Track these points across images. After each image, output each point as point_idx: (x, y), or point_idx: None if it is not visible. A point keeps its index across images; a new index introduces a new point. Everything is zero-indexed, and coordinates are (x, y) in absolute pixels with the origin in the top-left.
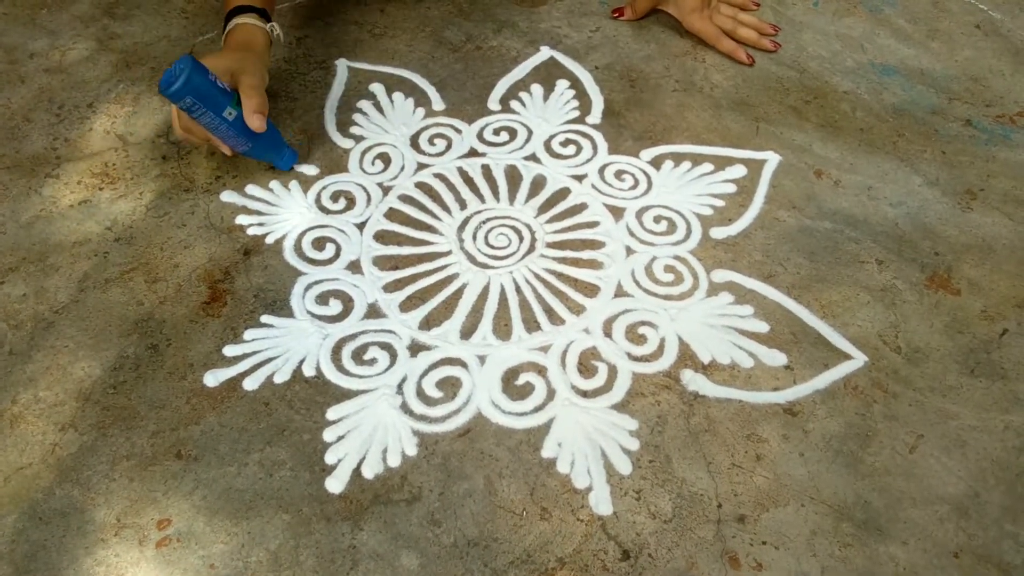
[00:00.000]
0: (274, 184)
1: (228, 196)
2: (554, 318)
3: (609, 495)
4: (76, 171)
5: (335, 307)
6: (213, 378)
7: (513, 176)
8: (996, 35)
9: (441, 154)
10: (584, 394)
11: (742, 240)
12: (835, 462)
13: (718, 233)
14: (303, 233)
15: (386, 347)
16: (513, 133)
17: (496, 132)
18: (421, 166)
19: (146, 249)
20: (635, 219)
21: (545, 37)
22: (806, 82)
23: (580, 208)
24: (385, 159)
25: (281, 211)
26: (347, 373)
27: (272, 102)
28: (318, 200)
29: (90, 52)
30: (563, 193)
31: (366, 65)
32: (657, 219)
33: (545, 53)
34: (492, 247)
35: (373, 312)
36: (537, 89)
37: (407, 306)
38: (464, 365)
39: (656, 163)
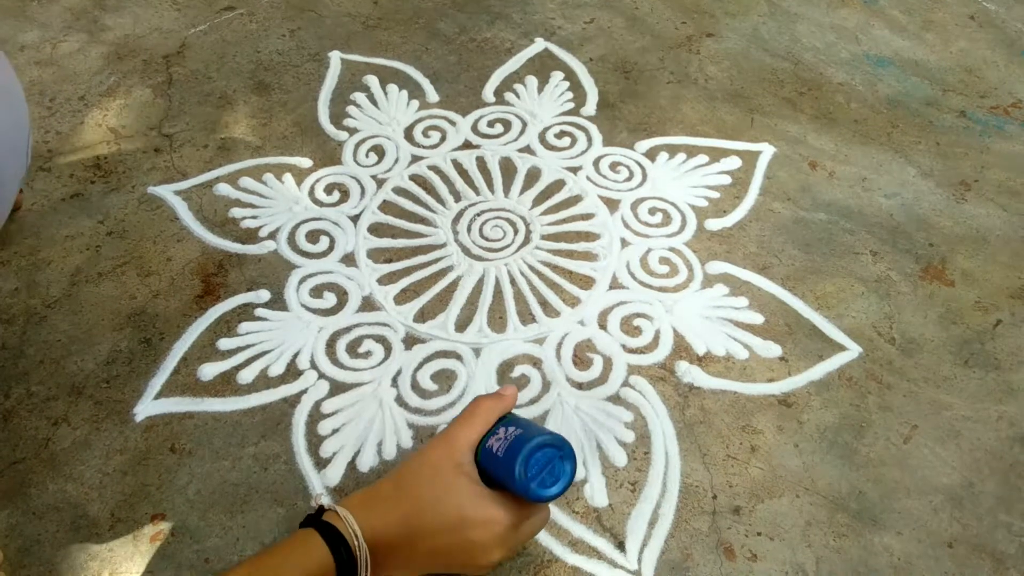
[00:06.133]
0: (268, 177)
1: (222, 189)
2: (549, 310)
3: (605, 487)
4: (68, 164)
5: (329, 300)
6: (207, 371)
7: (508, 168)
8: (990, 26)
9: (436, 146)
10: (579, 386)
11: (737, 232)
12: (830, 453)
13: (713, 225)
14: (297, 226)
15: (381, 340)
16: (508, 125)
17: (491, 124)
18: (415, 158)
19: (139, 243)
20: (630, 211)
21: (539, 28)
22: (801, 74)
23: (575, 200)
24: (379, 151)
25: (275, 204)
26: (342, 366)
27: (265, 94)
28: (312, 192)
29: (81, 44)
30: (558, 185)
31: (359, 57)
32: (652, 211)
33: (539, 45)
34: (487, 239)
35: (368, 305)
36: (531, 81)
37: (402, 299)
38: (459, 358)
39: (651, 155)
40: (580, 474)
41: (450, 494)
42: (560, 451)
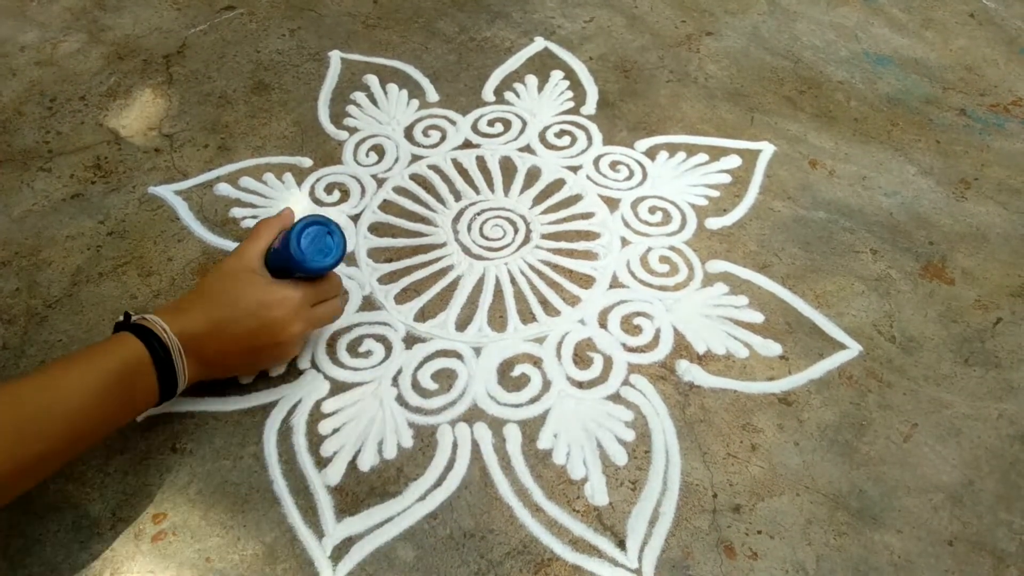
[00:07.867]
0: (268, 176)
1: (222, 189)
2: (549, 309)
3: (605, 485)
4: (68, 164)
5: None
6: None
7: (508, 167)
8: (990, 24)
9: (436, 145)
10: (580, 385)
11: (737, 230)
12: (830, 451)
13: (713, 223)
14: None
15: (381, 339)
16: (507, 124)
17: (491, 123)
18: (415, 158)
19: (139, 243)
20: (630, 210)
21: (539, 27)
22: (800, 72)
23: (575, 199)
24: (379, 151)
25: (275, 203)
26: (342, 365)
27: (265, 94)
28: (312, 192)
29: (81, 44)
30: (558, 184)
31: (359, 56)
32: (652, 210)
33: (539, 44)
34: (487, 238)
35: (368, 304)
36: (531, 80)
37: (402, 298)
38: (460, 357)
39: (651, 154)
40: (580, 472)
41: (247, 289)
42: (327, 228)
